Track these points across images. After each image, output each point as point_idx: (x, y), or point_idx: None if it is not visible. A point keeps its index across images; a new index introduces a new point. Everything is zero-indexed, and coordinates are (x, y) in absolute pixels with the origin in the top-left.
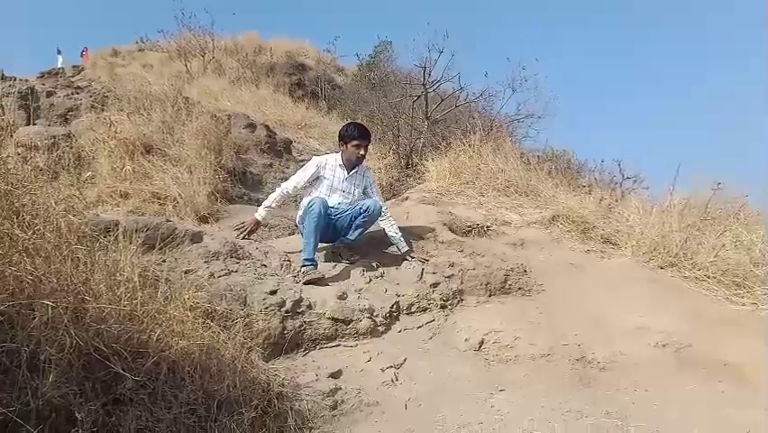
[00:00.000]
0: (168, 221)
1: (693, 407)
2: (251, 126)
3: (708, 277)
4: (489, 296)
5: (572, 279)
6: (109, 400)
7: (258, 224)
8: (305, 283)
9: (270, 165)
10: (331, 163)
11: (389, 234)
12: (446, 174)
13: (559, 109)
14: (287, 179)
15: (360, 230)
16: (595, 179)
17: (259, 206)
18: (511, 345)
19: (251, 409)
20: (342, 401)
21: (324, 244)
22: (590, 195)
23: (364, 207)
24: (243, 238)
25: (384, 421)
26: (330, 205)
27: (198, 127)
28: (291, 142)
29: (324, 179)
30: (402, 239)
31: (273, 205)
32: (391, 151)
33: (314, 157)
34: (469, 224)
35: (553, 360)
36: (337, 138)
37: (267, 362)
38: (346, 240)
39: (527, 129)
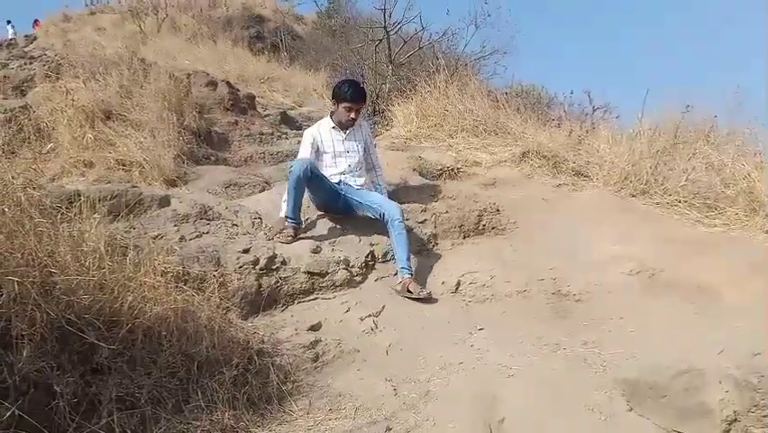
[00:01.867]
0: (133, 187)
1: (668, 329)
2: (212, 84)
3: (680, 201)
4: (464, 238)
5: (545, 214)
6: (87, 371)
7: (285, 219)
8: (269, 240)
9: (236, 123)
10: (324, 129)
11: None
12: (413, 118)
13: (528, 42)
14: (252, 136)
15: (402, 246)
16: (564, 111)
17: (228, 165)
18: (487, 285)
19: (232, 367)
20: (323, 353)
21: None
22: (560, 128)
23: (381, 213)
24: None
25: (366, 368)
26: (340, 171)
27: (157, 89)
28: (255, 98)
29: (325, 149)
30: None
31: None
32: None
33: (305, 131)
34: (439, 167)
35: (529, 295)
36: (313, 91)
37: (245, 320)
38: (402, 269)
39: (494, 66)
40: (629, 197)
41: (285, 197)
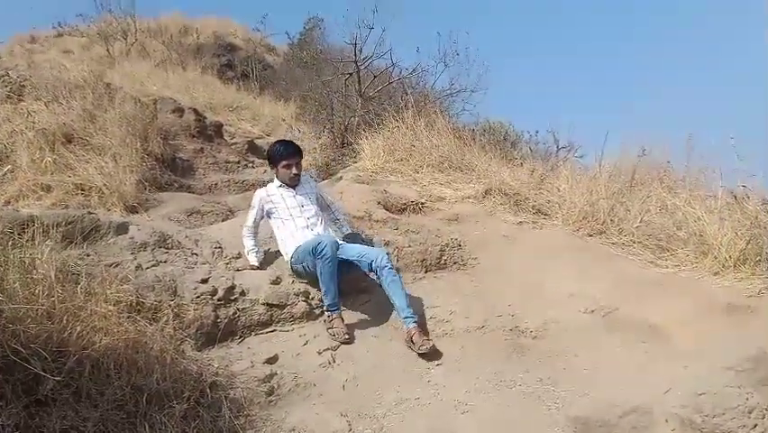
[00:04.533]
0: (89, 213)
1: (620, 368)
2: (179, 111)
3: (634, 242)
4: (426, 272)
5: (505, 250)
6: (31, 402)
7: (258, 268)
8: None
9: (201, 150)
10: (273, 191)
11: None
12: (380, 152)
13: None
14: (218, 164)
15: (398, 294)
16: (530, 149)
17: (191, 192)
18: (447, 320)
19: (184, 400)
20: (279, 386)
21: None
22: (523, 167)
23: (369, 262)
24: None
25: (322, 403)
26: (302, 226)
27: (122, 114)
28: (222, 126)
29: (276, 210)
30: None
31: (251, 244)
32: (326, 130)
33: (256, 191)
34: (403, 201)
35: (488, 332)
36: (267, 155)
37: (200, 352)
38: (405, 319)
39: (464, 104)
40: (587, 236)
41: (297, 268)
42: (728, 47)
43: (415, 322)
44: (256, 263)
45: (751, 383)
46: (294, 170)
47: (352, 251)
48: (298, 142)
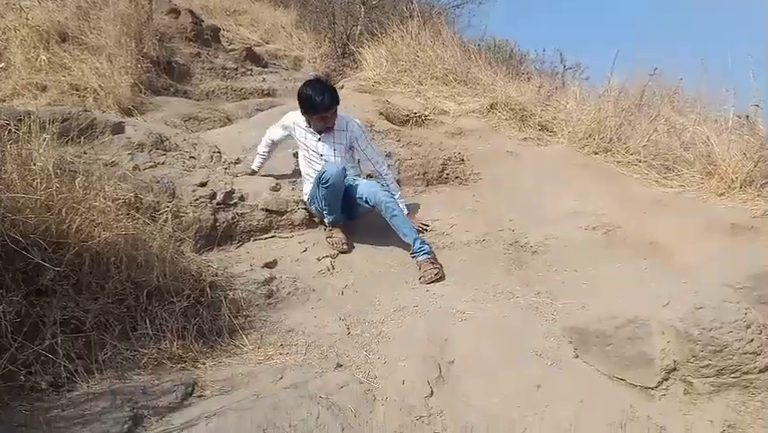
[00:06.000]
0: (86, 111)
1: (619, 283)
2: (175, 12)
3: (640, 161)
4: (427, 185)
5: (509, 166)
6: (31, 292)
7: (254, 172)
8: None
9: (198, 54)
10: (300, 122)
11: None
12: (383, 62)
13: None
14: (215, 70)
15: (398, 227)
16: (536, 68)
17: (188, 98)
18: (447, 233)
19: (183, 298)
20: (278, 290)
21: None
22: (530, 83)
23: (363, 198)
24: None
25: (320, 307)
26: (315, 169)
27: (116, 12)
28: (219, 30)
29: (299, 142)
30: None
31: (263, 151)
32: (327, 39)
33: (288, 113)
34: (406, 113)
35: (488, 245)
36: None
37: (199, 254)
38: (414, 252)
39: (470, 17)
40: (592, 154)
41: (313, 207)
42: None
43: (426, 254)
44: (256, 168)
45: (749, 300)
46: (329, 123)
47: (355, 191)
48: (298, 51)
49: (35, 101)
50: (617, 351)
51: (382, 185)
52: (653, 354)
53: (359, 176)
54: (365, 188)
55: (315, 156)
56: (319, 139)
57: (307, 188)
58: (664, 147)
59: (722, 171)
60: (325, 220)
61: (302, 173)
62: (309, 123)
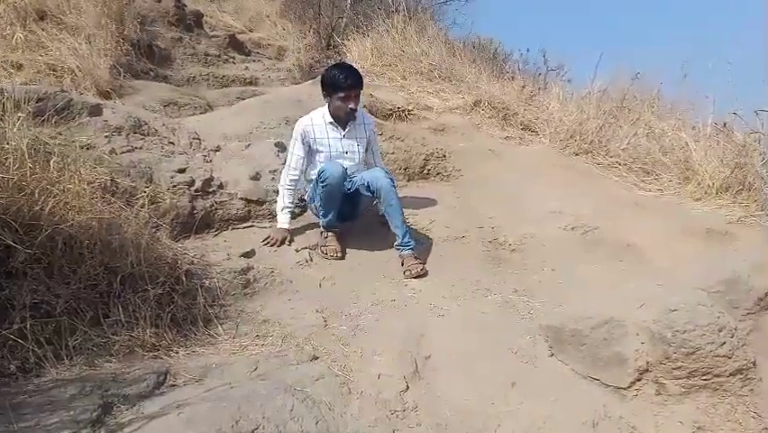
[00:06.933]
0: (63, 91)
1: (595, 283)
2: None
3: (620, 164)
4: (408, 180)
5: (490, 164)
6: (1, 273)
7: (287, 231)
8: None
9: (180, 39)
10: (318, 123)
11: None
12: (368, 55)
13: None
14: (197, 56)
15: (394, 216)
16: (519, 69)
17: (168, 83)
18: (427, 228)
19: (158, 285)
20: (255, 280)
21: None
22: (513, 82)
23: (366, 183)
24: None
25: (298, 299)
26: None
27: None
28: (203, 16)
29: (318, 147)
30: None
31: (288, 201)
32: (312, 30)
33: (298, 121)
34: (389, 107)
35: (467, 242)
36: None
37: (175, 241)
38: (400, 245)
39: (455, 16)
40: (573, 155)
41: (312, 206)
42: None
43: (411, 249)
44: (287, 225)
45: (722, 304)
46: (351, 105)
47: (359, 178)
48: (282, 41)
49: (9, 80)
50: (592, 351)
51: (386, 172)
52: (626, 355)
53: None
54: (368, 174)
55: (338, 156)
56: (344, 136)
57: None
58: (644, 151)
59: (699, 177)
60: (320, 221)
61: (307, 179)
62: (332, 114)
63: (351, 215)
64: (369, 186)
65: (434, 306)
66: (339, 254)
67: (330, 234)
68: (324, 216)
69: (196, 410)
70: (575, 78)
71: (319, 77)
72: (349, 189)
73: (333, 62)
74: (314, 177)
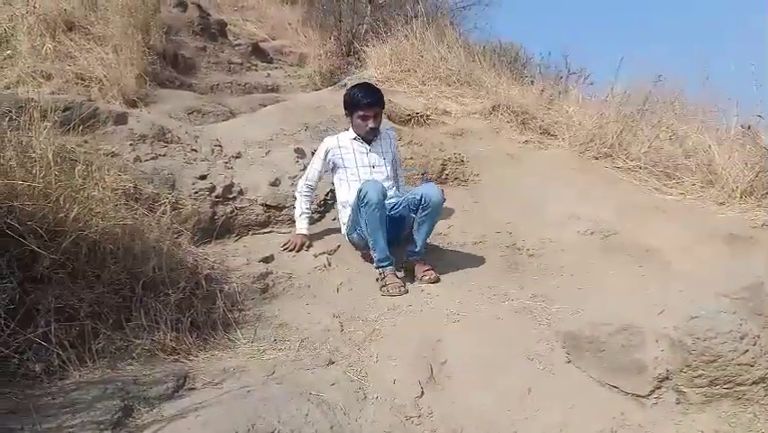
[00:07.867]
0: (89, 100)
1: (614, 289)
2: (182, 5)
3: (640, 168)
4: None
5: (509, 169)
6: (26, 279)
7: (306, 237)
8: (389, 295)
9: (204, 48)
10: (345, 142)
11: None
12: (387, 61)
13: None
14: (221, 64)
15: (425, 230)
16: (540, 72)
17: (193, 91)
18: (444, 233)
19: (179, 290)
20: (274, 284)
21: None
22: (533, 86)
23: (419, 197)
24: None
25: (315, 303)
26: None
27: (124, 3)
28: (226, 25)
29: (342, 165)
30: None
31: (306, 207)
32: (332, 37)
33: (324, 139)
34: (408, 112)
35: (485, 247)
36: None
37: (196, 246)
38: (414, 252)
39: (476, 19)
40: (593, 159)
41: (353, 236)
42: None
43: (423, 257)
44: (305, 231)
45: (744, 311)
46: (371, 124)
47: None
48: (303, 48)
49: (39, 89)
50: (610, 357)
51: (441, 190)
52: (646, 362)
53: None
54: (422, 188)
55: (366, 171)
56: (369, 150)
57: (346, 216)
58: (666, 154)
59: (723, 181)
60: (374, 257)
61: (341, 199)
62: (354, 132)
63: (395, 239)
64: (422, 198)
65: (450, 311)
66: (403, 289)
67: (387, 271)
68: (375, 244)
69: (213, 413)
70: (597, 80)
71: (339, 83)
72: (394, 211)
73: (354, 68)
74: (348, 203)
